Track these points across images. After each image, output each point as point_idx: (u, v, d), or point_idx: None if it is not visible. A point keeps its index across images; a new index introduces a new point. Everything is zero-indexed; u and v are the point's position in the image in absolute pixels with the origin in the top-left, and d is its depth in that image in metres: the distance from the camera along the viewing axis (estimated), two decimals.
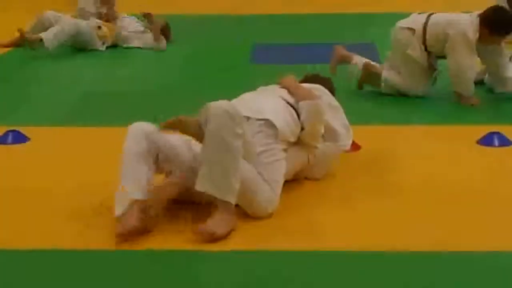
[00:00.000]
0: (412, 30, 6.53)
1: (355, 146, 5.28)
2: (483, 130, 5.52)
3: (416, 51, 6.53)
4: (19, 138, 5.44)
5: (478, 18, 6.35)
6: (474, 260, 3.76)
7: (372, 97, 6.69)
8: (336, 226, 4.11)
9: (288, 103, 4.52)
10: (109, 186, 4.17)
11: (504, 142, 5.40)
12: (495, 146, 5.37)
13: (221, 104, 4.00)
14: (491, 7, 6.47)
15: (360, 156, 5.17)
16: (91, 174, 4.79)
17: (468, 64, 6.41)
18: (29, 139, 5.45)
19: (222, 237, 3.89)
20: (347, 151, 5.02)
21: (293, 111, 4.49)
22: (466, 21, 6.37)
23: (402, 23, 6.63)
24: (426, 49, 6.53)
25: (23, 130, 5.52)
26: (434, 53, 6.58)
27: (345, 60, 6.80)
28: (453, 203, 4.41)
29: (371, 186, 4.64)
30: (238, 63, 7.95)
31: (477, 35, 6.31)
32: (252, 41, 8.95)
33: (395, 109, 6.37)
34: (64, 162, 5.05)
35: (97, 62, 8.24)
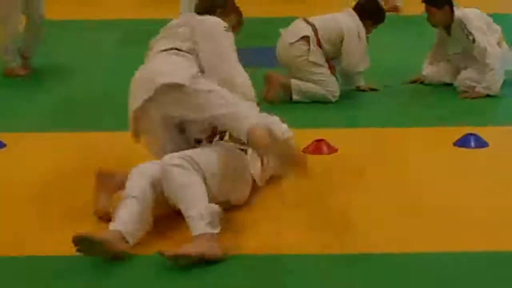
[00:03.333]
0: (305, 38, 6.56)
1: (331, 149, 5.32)
2: (460, 131, 5.56)
3: (317, 56, 6.58)
4: None
5: (356, 15, 6.56)
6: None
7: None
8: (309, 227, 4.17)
9: None
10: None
11: (480, 143, 5.45)
12: (471, 147, 5.42)
13: None
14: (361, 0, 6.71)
15: (337, 158, 5.21)
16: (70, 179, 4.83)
17: (362, 61, 6.66)
18: (5, 145, 5.45)
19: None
20: (324, 154, 5.08)
21: None
22: (354, 21, 6.53)
23: (290, 38, 6.60)
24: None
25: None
26: (328, 55, 6.65)
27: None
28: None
29: (347, 186, 4.71)
30: None
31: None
32: (240, 44, 8.94)
33: (374, 113, 6.40)
34: (43, 168, 5.06)
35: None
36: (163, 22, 4.74)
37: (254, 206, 4.45)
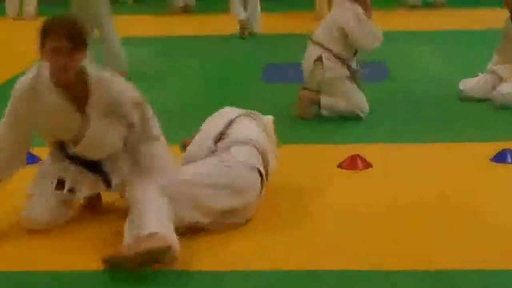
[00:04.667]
0: (319, 59, 6.50)
1: (366, 164, 5.28)
2: (497, 147, 5.50)
3: (334, 69, 6.51)
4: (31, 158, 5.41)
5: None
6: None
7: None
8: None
9: None
10: None
11: None
12: (508, 162, 5.35)
13: None
14: None
15: (372, 174, 5.17)
16: None
17: (374, 38, 6.57)
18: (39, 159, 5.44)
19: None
20: (358, 169, 5.05)
21: None
22: (346, 8, 6.47)
23: (308, 66, 6.57)
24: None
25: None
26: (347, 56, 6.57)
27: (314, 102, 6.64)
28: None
29: (382, 202, 4.66)
30: (251, 82, 7.98)
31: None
32: (264, 61, 8.98)
33: (408, 127, 6.35)
34: None
35: None
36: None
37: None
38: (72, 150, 4.22)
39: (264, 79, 8.21)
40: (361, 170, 5.24)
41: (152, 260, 3.75)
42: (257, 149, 4.51)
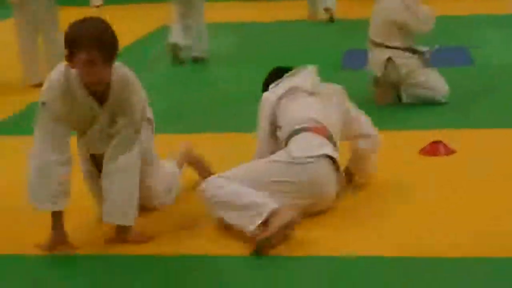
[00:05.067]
0: (388, 60, 6.47)
1: (449, 151, 5.21)
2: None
3: (407, 65, 6.48)
4: None
5: None
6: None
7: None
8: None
9: None
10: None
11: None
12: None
13: None
14: None
15: (455, 160, 5.10)
16: None
17: (427, 23, 6.50)
18: None
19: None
20: (441, 155, 5.00)
21: None
22: None
23: (379, 71, 6.54)
24: None
25: None
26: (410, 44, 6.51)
27: None
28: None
29: (465, 189, 4.59)
30: (329, 69, 7.92)
31: None
32: (343, 47, 8.92)
33: (491, 113, 6.24)
34: None
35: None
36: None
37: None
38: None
39: (343, 65, 8.16)
40: (443, 156, 5.18)
41: (288, 231, 3.91)
42: (313, 129, 4.34)
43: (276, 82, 4.65)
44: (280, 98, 4.52)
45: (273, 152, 4.37)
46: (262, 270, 3.76)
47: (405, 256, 3.82)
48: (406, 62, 6.44)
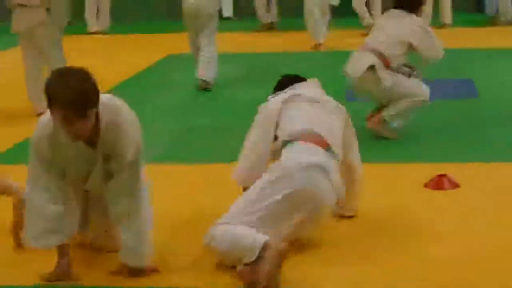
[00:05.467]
0: (371, 68, 6.39)
1: (453, 184, 5.20)
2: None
3: (390, 78, 6.39)
4: None
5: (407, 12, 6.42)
6: None
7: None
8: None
9: None
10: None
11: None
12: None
13: None
14: None
15: (458, 194, 5.08)
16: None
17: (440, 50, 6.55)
18: None
19: None
20: (445, 189, 5.00)
21: None
22: (412, 21, 6.40)
23: (356, 73, 6.48)
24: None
25: None
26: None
27: None
28: None
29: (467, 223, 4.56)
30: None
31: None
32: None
33: (498, 146, 6.22)
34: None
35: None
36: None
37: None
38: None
39: (347, 97, 8.14)
40: (448, 189, 5.16)
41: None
42: (308, 139, 4.28)
43: (278, 93, 4.64)
44: (282, 103, 4.48)
45: (262, 159, 4.36)
46: None
47: None
48: (383, 78, 6.34)
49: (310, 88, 4.65)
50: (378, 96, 6.46)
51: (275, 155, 4.34)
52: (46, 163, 3.93)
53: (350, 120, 4.63)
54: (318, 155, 4.22)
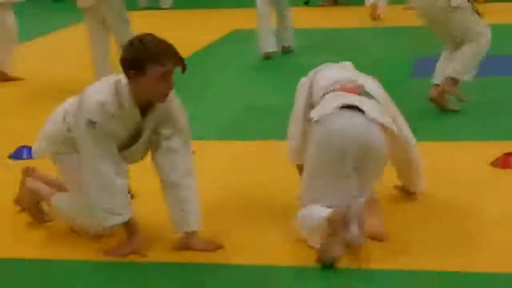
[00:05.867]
0: None
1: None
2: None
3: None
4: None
5: None
6: None
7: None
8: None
9: None
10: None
11: None
12: None
13: None
14: None
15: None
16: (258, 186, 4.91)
17: None
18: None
19: None
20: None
21: None
22: None
23: None
24: None
25: None
26: None
27: None
28: None
29: None
30: (399, 78, 7.83)
31: None
32: (412, 54, 8.82)
33: None
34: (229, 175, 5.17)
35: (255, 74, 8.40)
36: None
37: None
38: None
39: (414, 73, 8.06)
40: None
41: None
42: (341, 88, 4.13)
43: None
44: (314, 73, 4.38)
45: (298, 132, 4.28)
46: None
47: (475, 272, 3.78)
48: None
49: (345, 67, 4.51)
50: (443, 26, 6.40)
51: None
52: (109, 135, 3.95)
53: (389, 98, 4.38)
54: (351, 97, 4.02)
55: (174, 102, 4.07)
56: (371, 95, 4.12)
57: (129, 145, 4.07)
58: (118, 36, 7.62)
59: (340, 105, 3.96)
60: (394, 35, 10.19)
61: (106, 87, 3.96)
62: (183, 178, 4.06)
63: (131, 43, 3.90)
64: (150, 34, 3.90)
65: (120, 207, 4.00)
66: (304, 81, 4.42)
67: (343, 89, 4.11)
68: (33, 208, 4.51)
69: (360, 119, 3.95)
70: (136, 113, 3.96)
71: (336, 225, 3.79)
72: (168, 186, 4.09)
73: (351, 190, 3.98)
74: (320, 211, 3.92)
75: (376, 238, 4.02)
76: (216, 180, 5.04)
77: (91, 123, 3.91)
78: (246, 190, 4.90)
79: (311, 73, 4.42)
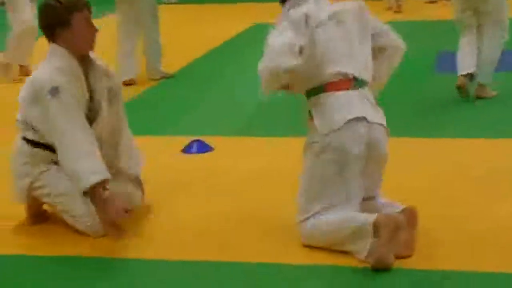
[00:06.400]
0: None
1: None
2: None
3: None
4: (204, 147, 5.52)
5: None
6: None
7: None
8: None
9: None
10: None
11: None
12: None
13: None
14: None
15: None
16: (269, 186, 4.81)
17: None
18: (212, 148, 5.51)
19: None
20: None
21: None
22: None
23: None
24: None
25: (207, 139, 5.59)
26: None
27: None
28: None
29: None
30: (423, 73, 7.73)
31: None
32: (436, 48, 8.71)
33: None
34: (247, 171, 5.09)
35: None
36: None
37: None
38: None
39: (438, 68, 7.95)
40: None
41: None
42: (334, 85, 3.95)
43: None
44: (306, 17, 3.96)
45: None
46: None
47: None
48: None
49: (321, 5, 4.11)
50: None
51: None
52: (74, 99, 4.02)
53: (367, 11, 4.15)
54: (352, 105, 3.90)
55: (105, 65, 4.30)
56: (364, 81, 3.99)
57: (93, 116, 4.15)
58: (147, 32, 7.59)
59: (347, 120, 3.86)
60: (417, 30, 10.07)
61: (43, 64, 4.12)
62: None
63: (41, 10, 4.13)
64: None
65: (99, 167, 4.01)
66: (298, 16, 3.95)
67: (339, 87, 3.94)
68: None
69: (365, 129, 3.89)
70: (76, 64, 4.06)
71: (389, 230, 3.71)
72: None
73: (359, 192, 3.94)
74: (362, 217, 3.83)
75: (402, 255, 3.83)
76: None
77: (54, 90, 3.97)
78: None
79: (302, 18, 3.93)
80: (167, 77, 7.94)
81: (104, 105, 4.20)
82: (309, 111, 3.99)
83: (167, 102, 7.18)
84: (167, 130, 6.18)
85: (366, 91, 3.98)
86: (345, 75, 3.93)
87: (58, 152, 4.03)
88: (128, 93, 7.21)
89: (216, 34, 10.17)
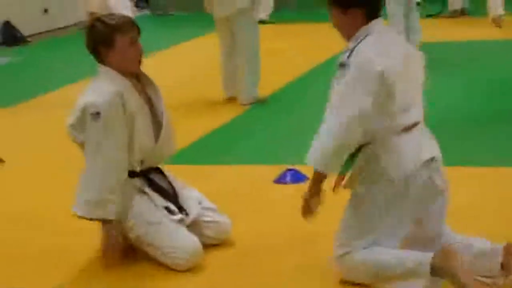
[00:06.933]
0: None
1: None
2: None
3: None
4: (298, 177, 5.34)
5: None
6: None
7: None
8: None
9: None
10: None
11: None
12: None
13: None
14: None
15: None
16: None
17: None
18: (307, 177, 5.16)
19: None
20: None
21: None
22: None
23: None
24: None
25: (301, 169, 5.30)
26: None
27: None
28: None
29: None
30: None
31: None
32: None
33: None
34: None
35: None
36: None
37: None
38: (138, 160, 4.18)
39: None
40: None
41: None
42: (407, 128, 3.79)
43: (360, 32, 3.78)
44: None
45: None
46: None
47: None
48: None
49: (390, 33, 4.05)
50: None
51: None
52: (117, 122, 4.04)
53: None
54: (421, 148, 3.73)
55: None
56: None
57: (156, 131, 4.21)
58: (242, 48, 7.46)
59: (422, 163, 3.69)
60: None
61: (88, 88, 4.18)
62: None
63: (88, 30, 4.18)
64: (98, 19, 4.22)
65: (112, 203, 4.04)
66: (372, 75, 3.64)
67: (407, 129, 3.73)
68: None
69: (438, 172, 3.78)
70: (128, 83, 4.13)
71: (454, 266, 3.53)
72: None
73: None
74: (419, 256, 3.65)
75: None
76: None
77: (95, 115, 4.01)
78: None
79: (377, 69, 3.62)
80: (260, 102, 7.68)
81: (166, 116, 4.26)
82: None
83: (259, 129, 6.98)
84: (258, 159, 5.99)
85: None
86: (415, 124, 3.76)
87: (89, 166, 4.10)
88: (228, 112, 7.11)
89: (312, 55, 9.88)
